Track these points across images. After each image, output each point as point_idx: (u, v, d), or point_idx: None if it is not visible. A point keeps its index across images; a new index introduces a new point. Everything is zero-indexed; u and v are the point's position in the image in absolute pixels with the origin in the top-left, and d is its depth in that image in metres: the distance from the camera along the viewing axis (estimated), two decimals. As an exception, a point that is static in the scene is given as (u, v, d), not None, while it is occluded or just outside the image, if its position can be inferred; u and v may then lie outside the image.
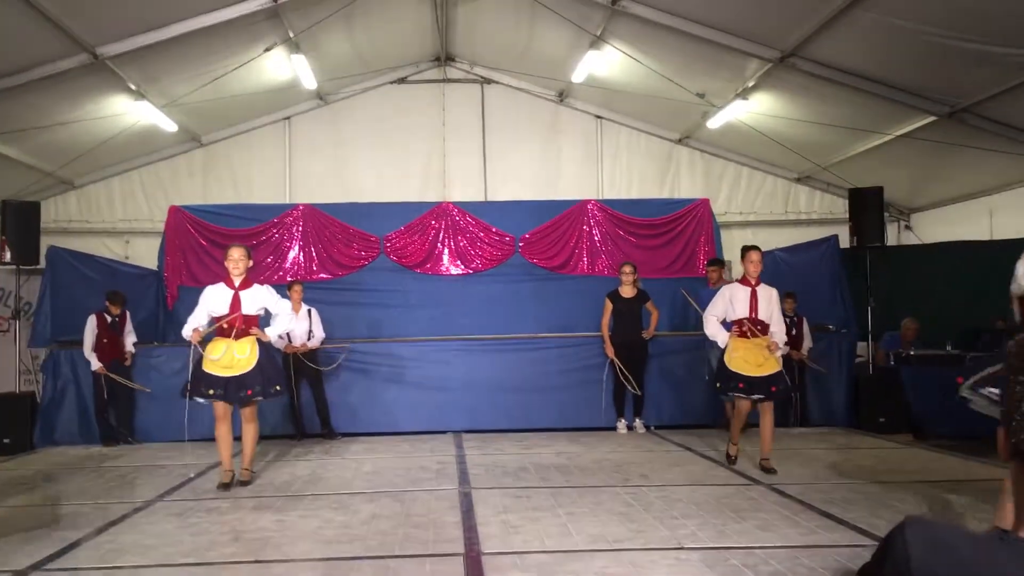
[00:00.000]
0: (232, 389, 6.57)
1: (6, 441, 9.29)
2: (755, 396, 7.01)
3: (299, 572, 4.37)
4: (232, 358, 6.61)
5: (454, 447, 8.78)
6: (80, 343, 9.48)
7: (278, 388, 6.83)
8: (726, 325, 7.28)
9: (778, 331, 7.12)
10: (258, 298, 6.77)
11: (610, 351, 9.58)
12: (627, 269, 9.73)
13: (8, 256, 10.22)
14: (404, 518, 5.51)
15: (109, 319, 9.51)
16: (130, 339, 9.73)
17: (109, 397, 9.48)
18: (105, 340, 9.44)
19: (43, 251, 10.28)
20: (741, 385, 6.98)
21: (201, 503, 6.15)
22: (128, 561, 4.62)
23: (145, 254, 12.43)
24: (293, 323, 7.09)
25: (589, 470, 7.26)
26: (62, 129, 10.66)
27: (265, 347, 6.82)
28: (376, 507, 5.87)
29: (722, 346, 7.23)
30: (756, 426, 9.77)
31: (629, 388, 9.54)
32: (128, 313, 9.77)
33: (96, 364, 9.41)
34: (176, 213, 11.69)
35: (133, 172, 13.19)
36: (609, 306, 9.66)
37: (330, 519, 5.55)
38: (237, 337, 6.66)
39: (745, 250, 7.26)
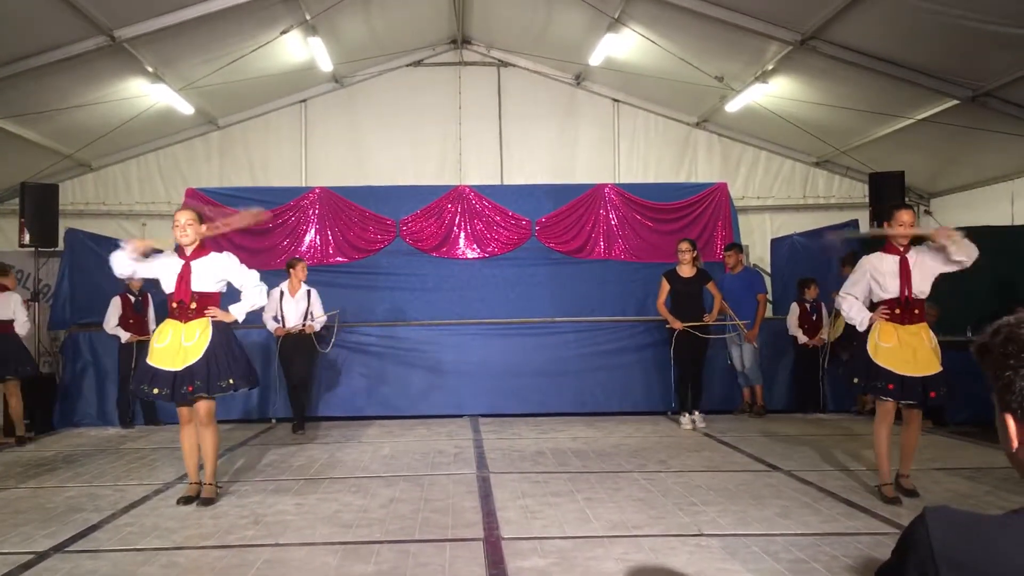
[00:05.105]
0: (177, 385, 5.40)
1: (26, 422, 9.35)
2: (906, 401, 5.51)
3: (319, 556, 4.38)
4: (179, 346, 5.44)
5: (471, 431, 8.79)
6: (99, 325, 9.43)
7: (230, 382, 5.51)
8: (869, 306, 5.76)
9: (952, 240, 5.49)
10: (215, 270, 5.54)
11: (676, 323, 8.58)
12: (684, 246, 8.69)
13: (27, 238, 10.27)
14: (423, 502, 5.52)
15: (133, 299, 9.43)
16: (152, 325, 9.53)
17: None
18: (131, 321, 9.37)
19: (61, 233, 10.32)
20: (891, 386, 5.42)
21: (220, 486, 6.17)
22: (149, 543, 4.64)
23: (162, 236, 12.46)
24: (263, 297, 5.83)
25: (607, 455, 7.25)
26: (80, 111, 10.69)
27: (222, 331, 5.59)
28: (394, 491, 5.88)
29: (861, 329, 5.69)
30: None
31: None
32: (150, 296, 9.62)
33: (125, 335, 9.26)
34: (193, 196, 11.70)
35: (150, 155, 13.21)
36: (666, 287, 8.75)
37: (349, 503, 5.56)
38: (187, 319, 5.50)
39: (893, 209, 5.70)
